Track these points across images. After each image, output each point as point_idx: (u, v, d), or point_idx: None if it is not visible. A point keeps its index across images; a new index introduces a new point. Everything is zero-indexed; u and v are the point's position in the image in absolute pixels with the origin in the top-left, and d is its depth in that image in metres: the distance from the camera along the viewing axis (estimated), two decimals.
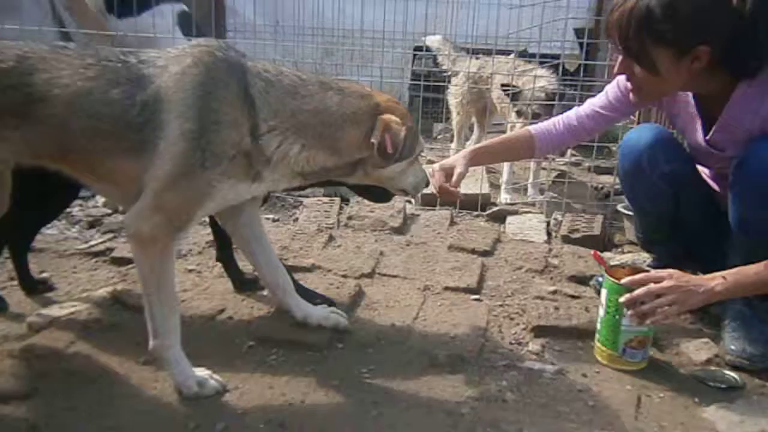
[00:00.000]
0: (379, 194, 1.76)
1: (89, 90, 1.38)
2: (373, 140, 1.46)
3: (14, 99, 1.38)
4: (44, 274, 2.01)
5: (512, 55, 3.35)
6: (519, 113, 2.95)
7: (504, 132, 3.08)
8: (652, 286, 1.52)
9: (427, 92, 3.67)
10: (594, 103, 1.93)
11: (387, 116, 1.48)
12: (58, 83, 1.38)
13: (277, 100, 1.44)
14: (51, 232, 2.36)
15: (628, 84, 1.70)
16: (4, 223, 1.78)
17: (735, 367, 1.64)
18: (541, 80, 2.91)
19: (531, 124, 2.21)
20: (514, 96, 2.99)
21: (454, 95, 3.62)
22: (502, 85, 3.04)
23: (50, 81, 1.38)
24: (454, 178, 1.81)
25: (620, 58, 1.65)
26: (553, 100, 2.85)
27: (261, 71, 1.46)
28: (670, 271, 1.54)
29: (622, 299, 1.55)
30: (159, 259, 1.41)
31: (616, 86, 1.87)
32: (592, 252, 1.88)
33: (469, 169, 1.86)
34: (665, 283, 1.51)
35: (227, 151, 1.39)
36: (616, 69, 1.69)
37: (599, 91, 1.98)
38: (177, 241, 1.45)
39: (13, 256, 1.90)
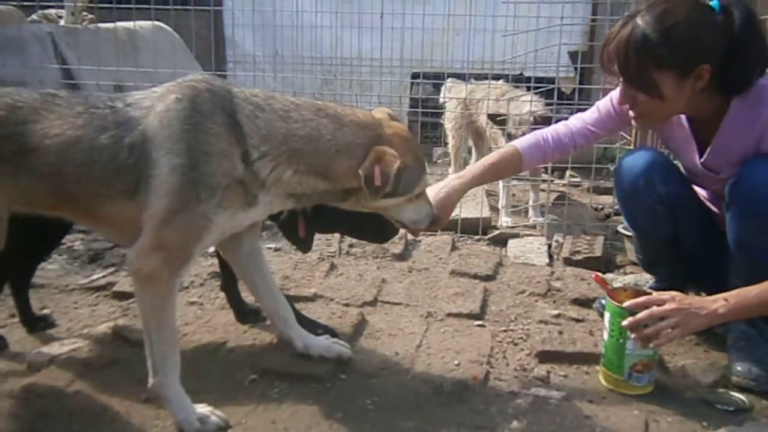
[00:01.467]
0: (375, 233, 1.73)
1: (78, 138, 1.40)
2: (360, 171, 1.42)
3: (8, 148, 1.40)
4: (45, 311, 2.01)
5: (501, 81, 3.40)
6: (510, 136, 2.98)
7: None
8: (654, 308, 1.51)
9: (426, 117, 3.71)
10: (585, 119, 1.91)
11: (382, 148, 1.44)
12: (48, 133, 1.40)
13: (266, 124, 1.42)
14: (52, 267, 2.36)
15: (631, 112, 1.69)
16: (4, 260, 1.79)
17: (742, 389, 1.62)
18: (527, 105, 2.95)
19: None
20: (502, 122, 3.02)
21: (449, 119, 3.66)
22: (489, 116, 3.08)
23: (42, 131, 1.40)
24: None
25: (621, 88, 1.65)
26: (542, 124, 2.87)
27: (249, 96, 1.45)
28: (673, 293, 1.54)
29: (624, 322, 1.54)
30: (160, 297, 1.41)
31: (609, 102, 1.86)
32: (593, 275, 1.87)
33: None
34: (668, 306, 1.50)
35: (220, 182, 1.38)
36: (618, 100, 1.69)
37: None
38: (179, 278, 1.45)
39: (14, 293, 1.90)
